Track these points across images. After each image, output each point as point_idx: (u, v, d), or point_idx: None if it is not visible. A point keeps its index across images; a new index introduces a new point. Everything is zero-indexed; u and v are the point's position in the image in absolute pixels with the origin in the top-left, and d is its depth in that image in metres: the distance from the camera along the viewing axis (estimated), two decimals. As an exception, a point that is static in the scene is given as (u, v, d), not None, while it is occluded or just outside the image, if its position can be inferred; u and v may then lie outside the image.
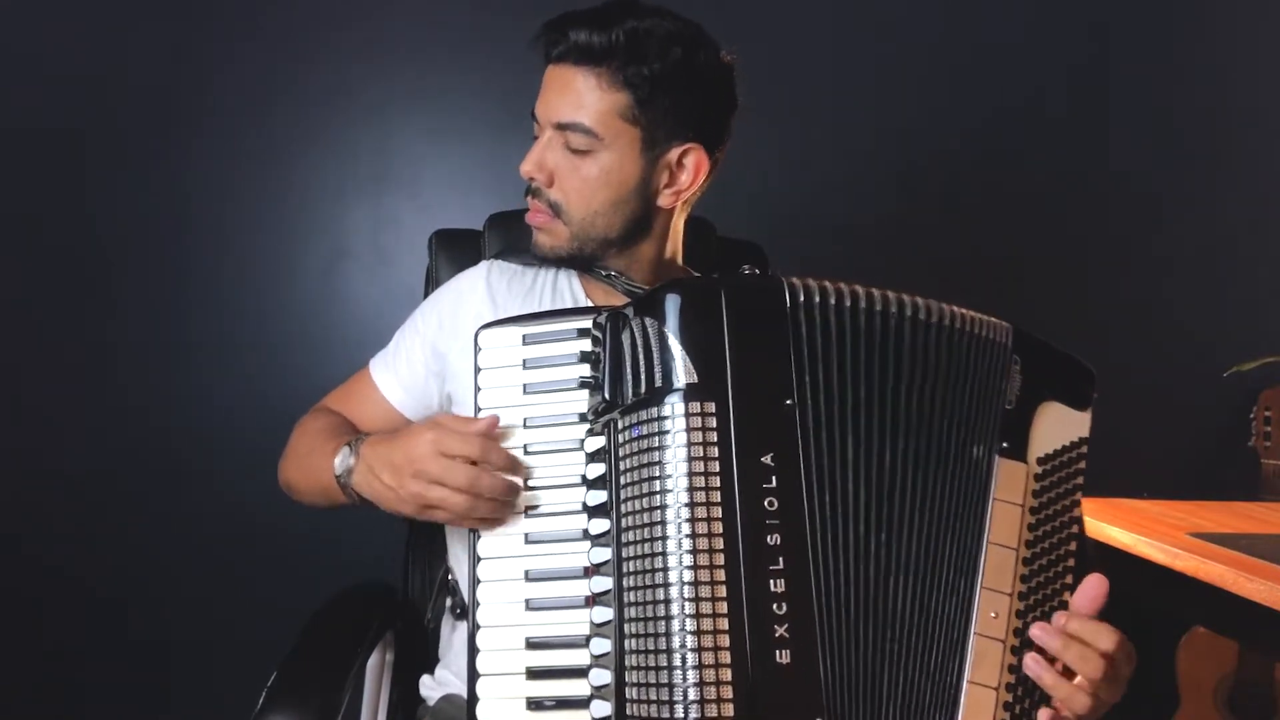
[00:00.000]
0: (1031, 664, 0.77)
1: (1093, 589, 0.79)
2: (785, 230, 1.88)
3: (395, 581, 1.32)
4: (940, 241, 2.00)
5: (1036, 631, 0.77)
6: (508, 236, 1.33)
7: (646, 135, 1.00)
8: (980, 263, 2.03)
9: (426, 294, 1.33)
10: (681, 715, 0.70)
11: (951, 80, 2.03)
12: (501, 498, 0.81)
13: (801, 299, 0.79)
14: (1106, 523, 1.49)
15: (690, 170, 1.03)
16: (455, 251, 1.34)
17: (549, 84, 1.01)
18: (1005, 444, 0.81)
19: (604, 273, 1.07)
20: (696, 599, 0.71)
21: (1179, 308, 2.09)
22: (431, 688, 1.13)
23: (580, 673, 0.77)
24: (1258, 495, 1.80)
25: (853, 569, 0.75)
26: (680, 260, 1.16)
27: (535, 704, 0.77)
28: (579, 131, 0.98)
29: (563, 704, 0.77)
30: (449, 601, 1.09)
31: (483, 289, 1.10)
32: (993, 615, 0.78)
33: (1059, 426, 0.84)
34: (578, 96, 0.98)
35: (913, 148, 2.02)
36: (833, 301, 0.79)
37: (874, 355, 0.79)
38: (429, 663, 1.17)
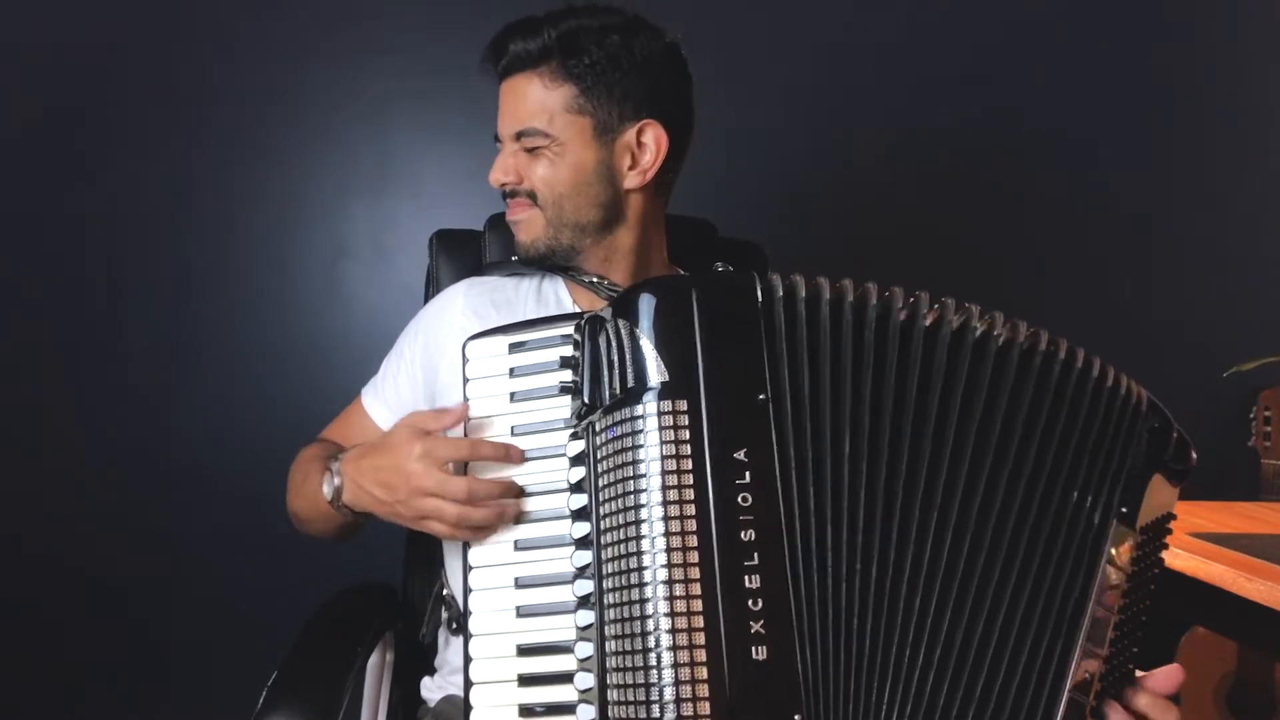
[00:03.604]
0: None
1: (1170, 679, 0.82)
2: (785, 230, 1.88)
3: (395, 582, 1.32)
4: (940, 242, 2.00)
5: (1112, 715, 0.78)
6: (507, 237, 1.33)
7: (597, 122, 1.04)
8: (980, 263, 2.03)
9: (427, 294, 1.34)
10: (659, 713, 0.70)
11: (954, 82, 2.03)
12: (499, 499, 0.82)
13: (778, 294, 0.78)
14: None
15: (651, 147, 1.06)
16: (456, 251, 1.34)
17: (502, 100, 1.08)
18: (1124, 509, 0.81)
19: (587, 279, 1.08)
20: (671, 597, 0.71)
21: (1178, 308, 2.09)
22: (432, 689, 1.13)
23: (569, 678, 0.77)
24: (1258, 495, 1.80)
25: (845, 567, 0.73)
26: (665, 258, 1.17)
27: (527, 710, 0.77)
28: (532, 135, 1.04)
29: (553, 709, 0.77)
30: (444, 615, 1.09)
31: (461, 305, 1.12)
32: (1086, 675, 0.77)
33: (1160, 499, 0.84)
34: (527, 102, 1.05)
35: (914, 148, 2.02)
36: (827, 297, 0.78)
37: (886, 353, 0.77)
38: (429, 664, 1.17)
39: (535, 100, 1.04)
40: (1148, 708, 0.79)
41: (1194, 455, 0.86)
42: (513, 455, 0.83)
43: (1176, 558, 1.31)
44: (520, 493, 0.84)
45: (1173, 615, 1.66)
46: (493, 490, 0.82)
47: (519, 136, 1.05)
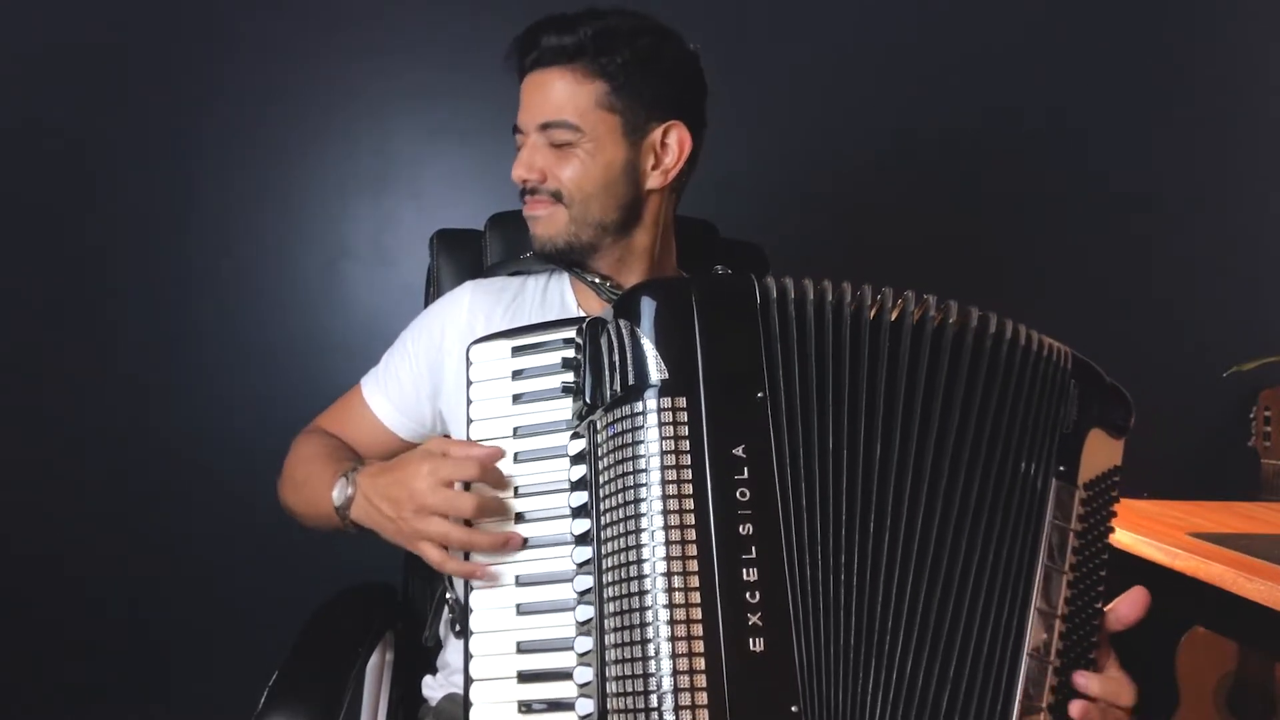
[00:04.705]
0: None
1: (1135, 605, 0.82)
2: (785, 230, 1.88)
3: (395, 582, 1.32)
4: (940, 242, 2.00)
5: (1077, 710, 0.78)
6: (508, 236, 1.33)
7: (626, 121, 1.05)
8: (980, 263, 2.03)
9: (427, 294, 1.34)
10: (656, 704, 0.70)
11: (953, 81, 2.03)
12: (503, 516, 0.83)
13: (774, 296, 0.80)
14: (1106, 523, 1.49)
15: (675, 148, 1.07)
16: (456, 252, 1.34)
17: (527, 92, 1.07)
18: (1062, 468, 0.82)
19: (591, 279, 1.09)
20: (670, 589, 0.72)
21: (1179, 308, 2.09)
22: (433, 687, 1.13)
23: (568, 674, 0.77)
24: (1258, 495, 1.80)
25: (832, 559, 0.75)
26: (675, 261, 1.18)
27: (526, 707, 0.78)
28: (561, 127, 1.03)
29: (553, 706, 0.77)
30: (447, 615, 1.09)
31: (467, 305, 1.13)
32: (1044, 636, 0.78)
33: (1101, 454, 0.85)
34: (556, 95, 1.04)
35: (914, 148, 2.02)
36: (810, 298, 0.80)
37: (860, 352, 0.79)
38: (430, 663, 1.17)
39: (565, 94, 1.03)
40: (1101, 692, 0.79)
41: (1132, 408, 0.87)
42: (507, 484, 0.84)
43: (1176, 558, 1.31)
44: (515, 493, 0.84)
45: (1173, 615, 1.66)
46: (501, 508, 0.83)
47: (545, 128, 1.04)
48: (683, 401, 0.76)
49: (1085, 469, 0.83)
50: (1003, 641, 0.77)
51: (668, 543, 0.73)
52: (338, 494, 0.96)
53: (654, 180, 1.08)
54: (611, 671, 0.74)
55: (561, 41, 1.03)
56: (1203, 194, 2.11)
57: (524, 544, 0.82)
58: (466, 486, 0.84)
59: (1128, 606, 0.82)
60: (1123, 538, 1.44)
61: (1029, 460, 0.81)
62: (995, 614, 0.77)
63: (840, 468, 0.77)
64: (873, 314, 0.80)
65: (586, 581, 0.78)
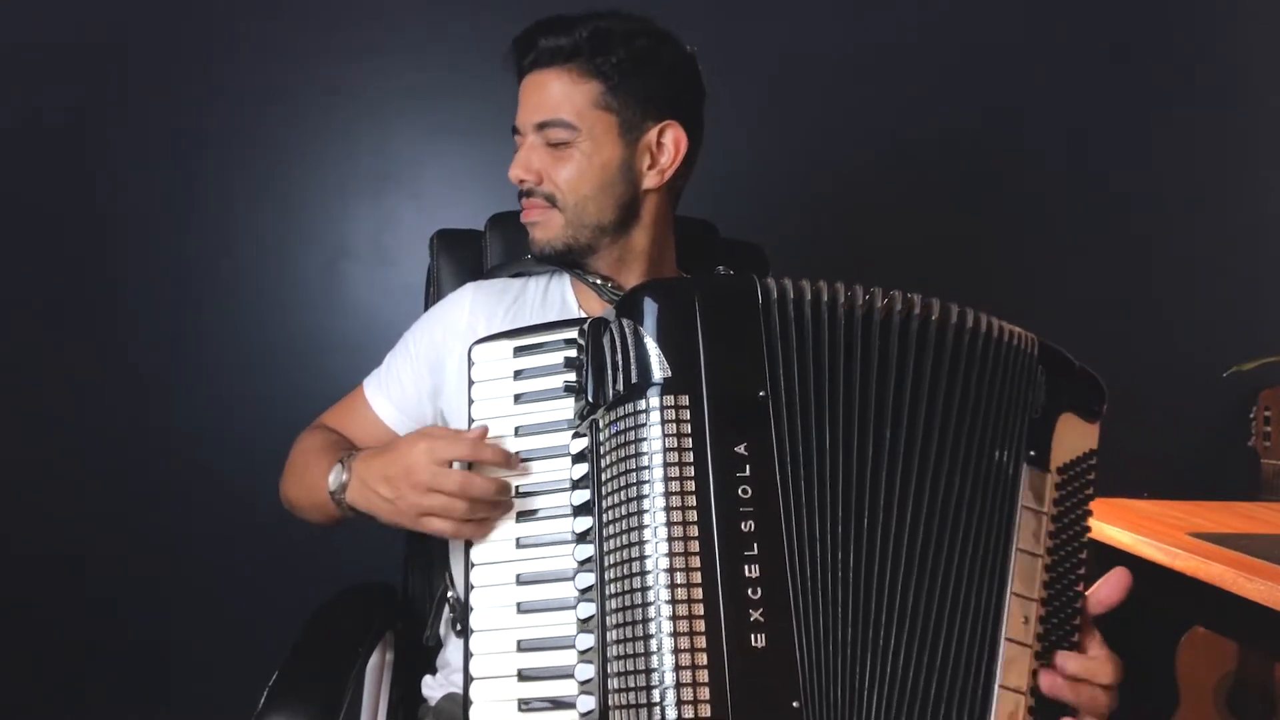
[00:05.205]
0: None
1: (1117, 583, 0.83)
2: (785, 230, 1.88)
3: (395, 582, 1.32)
4: (940, 242, 2.00)
5: (1046, 682, 0.78)
6: (509, 237, 1.33)
7: (622, 120, 1.06)
8: (980, 262, 2.03)
9: (428, 294, 1.34)
10: (658, 700, 0.71)
11: (953, 83, 2.03)
12: (493, 498, 0.84)
13: (775, 296, 0.80)
14: (1106, 523, 1.49)
15: (670, 147, 1.08)
16: (457, 252, 1.35)
17: (525, 93, 1.09)
18: (1032, 452, 0.83)
19: (592, 280, 1.10)
20: (672, 585, 0.72)
21: (1179, 308, 2.09)
22: (433, 687, 1.14)
23: (569, 672, 0.78)
24: (1258, 495, 1.81)
25: (830, 555, 0.75)
26: (675, 262, 1.18)
27: (526, 705, 0.78)
28: (557, 126, 1.05)
29: (553, 704, 0.78)
30: (448, 614, 1.10)
31: (468, 306, 1.13)
32: (1023, 621, 0.79)
33: (1074, 438, 0.85)
34: (553, 95, 1.05)
35: (914, 149, 2.02)
36: (808, 298, 0.81)
37: (854, 351, 0.80)
38: (430, 663, 1.17)
39: (561, 93, 1.05)
40: (1078, 670, 0.79)
41: (1103, 391, 0.87)
42: (512, 462, 0.85)
43: (1176, 558, 1.31)
44: (515, 492, 0.85)
45: (1173, 615, 1.66)
46: (488, 488, 0.83)
47: (542, 127, 1.06)
48: (685, 400, 0.77)
49: (1058, 454, 0.84)
50: (982, 628, 0.78)
51: (670, 539, 0.73)
52: (333, 479, 0.97)
53: (650, 180, 1.08)
54: (613, 668, 0.74)
55: (558, 42, 1.05)
56: (1203, 194, 2.11)
57: (523, 515, 0.83)
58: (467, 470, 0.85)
59: (1109, 589, 0.83)
60: (1123, 538, 1.44)
61: (1000, 447, 0.82)
62: (975, 601, 0.78)
63: (839, 465, 0.78)
64: (863, 313, 0.81)
65: (588, 579, 0.78)
